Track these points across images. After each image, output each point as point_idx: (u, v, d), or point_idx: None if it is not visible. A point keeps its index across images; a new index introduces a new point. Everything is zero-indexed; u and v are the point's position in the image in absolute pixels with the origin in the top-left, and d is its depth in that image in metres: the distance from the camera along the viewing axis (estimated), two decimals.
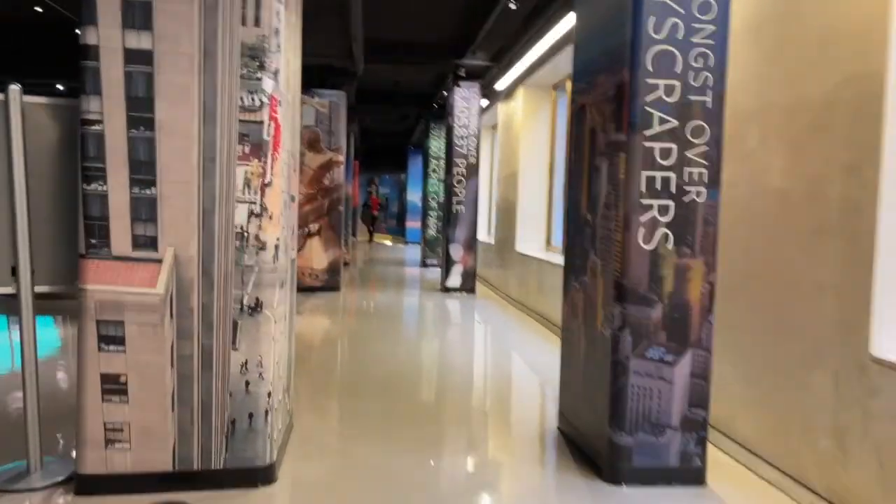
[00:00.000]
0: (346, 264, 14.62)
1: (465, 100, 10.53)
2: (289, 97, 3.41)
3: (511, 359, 6.73)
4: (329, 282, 10.32)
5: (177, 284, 3.01)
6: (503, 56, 9.41)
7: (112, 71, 2.93)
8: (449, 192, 10.61)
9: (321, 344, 6.88)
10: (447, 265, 10.60)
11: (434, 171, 15.07)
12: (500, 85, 10.02)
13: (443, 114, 14.41)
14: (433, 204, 15.05)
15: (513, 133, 10.34)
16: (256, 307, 3.09)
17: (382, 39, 9.67)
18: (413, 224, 23.78)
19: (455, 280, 10.59)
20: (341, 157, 10.30)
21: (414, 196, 23.73)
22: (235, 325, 3.08)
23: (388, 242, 25.42)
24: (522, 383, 5.84)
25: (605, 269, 3.40)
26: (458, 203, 10.56)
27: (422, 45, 9.91)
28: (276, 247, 3.12)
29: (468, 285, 10.60)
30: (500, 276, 11.02)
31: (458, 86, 10.48)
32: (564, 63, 8.48)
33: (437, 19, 8.87)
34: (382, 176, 27.51)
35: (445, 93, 12.15)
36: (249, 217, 3.06)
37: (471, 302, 10.02)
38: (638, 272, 3.21)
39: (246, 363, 3.09)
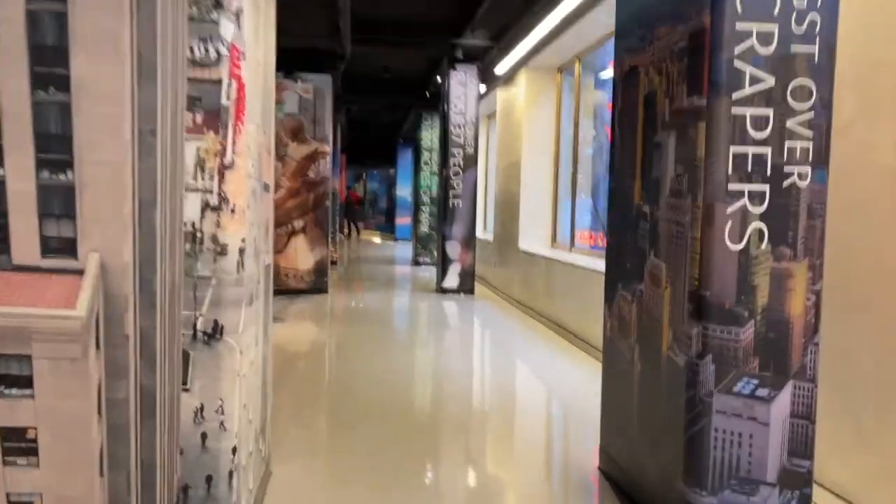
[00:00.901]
0: (333, 263, 13.79)
1: (462, 84, 9.72)
2: (259, 54, 2.60)
3: (523, 374, 5.95)
4: (315, 284, 9.49)
5: (105, 303, 2.19)
6: (504, 35, 8.61)
7: (7, 8, 2.10)
8: (445, 185, 9.81)
9: (306, 356, 6.06)
10: (444, 264, 9.80)
11: (426, 163, 14.26)
12: (501, 68, 9.22)
13: (436, 102, 13.59)
14: (425, 199, 14.25)
15: (514, 120, 9.55)
16: (215, 333, 2.29)
17: (372, 18, 8.84)
18: (403, 220, 22.94)
19: (452, 280, 9.79)
20: (327, 148, 9.47)
21: (403, 191, 22.91)
22: (186, 357, 2.27)
23: (377, 240, 24.58)
24: (541, 405, 5.05)
25: (673, 276, 2.61)
26: (455, 197, 9.76)
27: (415, 25, 9.08)
28: (241, 251, 2.31)
29: (466, 286, 9.81)
30: (500, 276, 10.24)
31: (455, 69, 9.67)
32: (571, 42, 7.71)
33: None
34: (371, 171, 26.65)
35: (440, 78, 11.33)
36: (204, 211, 2.25)
37: (470, 304, 9.22)
38: (723, 280, 2.43)
39: (201, 409, 2.29)
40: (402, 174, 22.95)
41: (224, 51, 2.21)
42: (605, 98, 8.29)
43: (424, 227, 14.24)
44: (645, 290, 2.86)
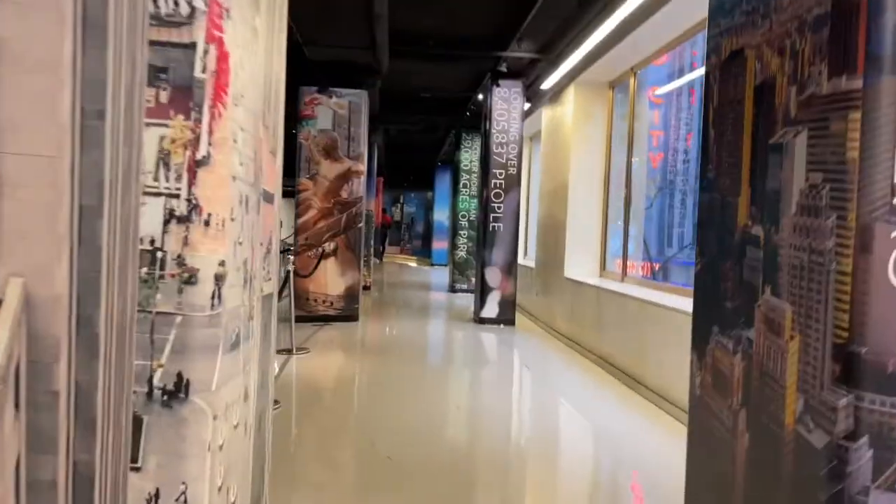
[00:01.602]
0: (366, 288, 13.24)
1: (506, 101, 9.12)
2: (259, 20, 2.01)
3: (577, 427, 5.22)
4: (346, 310, 8.90)
5: (28, 348, 1.60)
6: (553, 47, 8.01)
7: None
8: (485, 207, 9.18)
9: (331, 396, 5.43)
10: (482, 292, 9.14)
11: (465, 186, 13.68)
12: (547, 83, 8.61)
13: (476, 123, 13.05)
14: (463, 223, 13.64)
15: (561, 139, 8.91)
16: (178, 391, 1.67)
17: (412, 30, 8.33)
18: (440, 245, 22.39)
19: (491, 310, 9.12)
20: (362, 167, 8.93)
21: (441, 215, 22.39)
22: (138, 424, 1.66)
23: (413, 264, 24.04)
24: (605, 468, 4.33)
25: (804, 323, 1.92)
26: (496, 220, 9.12)
27: (458, 37, 8.54)
28: (219, 278, 1.70)
29: (506, 316, 9.12)
30: (542, 306, 9.53)
31: (498, 85, 9.09)
32: (626, 54, 7.08)
33: (477, 3, 7.50)
34: (408, 194, 26.21)
35: (481, 96, 10.78)
36: (168, 222, 1.65)
37: (510, 337, 8.53)
38: (885, 332, 1.73)
39: (157, 495, 1.67)
40: (439, 197, 22.44)
41: (200, 4, 1.62)
42: (653, 118, 7.63)
43: (462, 252, 13.61)
44: (757, 340, 2.16)
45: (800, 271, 1.95)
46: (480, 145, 9.76)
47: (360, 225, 8.97)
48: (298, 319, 8.55)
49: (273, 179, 2.42)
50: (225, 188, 1.71)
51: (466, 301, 12.51)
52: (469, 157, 13.67)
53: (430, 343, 8.26)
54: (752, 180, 2.24)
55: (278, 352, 6.67)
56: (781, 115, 2.07)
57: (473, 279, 13.56)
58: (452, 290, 13.63)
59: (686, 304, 5.33)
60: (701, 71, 7.11)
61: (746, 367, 2.22)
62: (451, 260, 13.85)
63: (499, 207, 9.12)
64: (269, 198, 2.33)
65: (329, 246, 8.82)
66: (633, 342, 5.98)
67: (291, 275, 6.66)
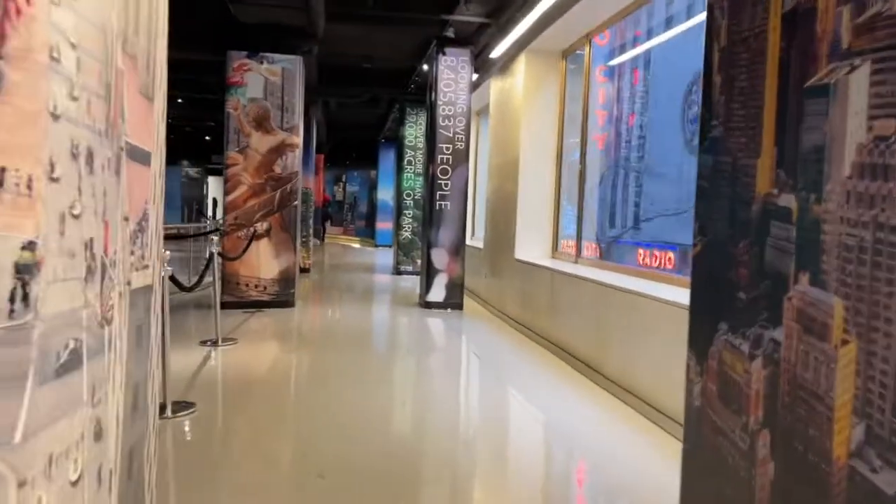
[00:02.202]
0: (305, 270, 12.56)
1: (453, 70, 8.54)
2: None
3: (534, 420, 4.74)
4: (280, 295, 8.24)
5: None
6: (502, 12, 7.45)
7: None
8: (431, 184, 8.62)
9: (258, 395, 4.81)
10: (428, 275, 8.60)
11: (409, 163, 13.06)
12: (497, 51, 8.05)
13: (421, 96, 12.44)
14: (408, 202, 13.05)
15: (511, 112, 8.39)
16: None
17: None
18: (384, 225, 21.74)
19: (438, 293, 8.59)
20: (297, 139, 8.23)
21: (385, 194, 21.72)
22: None
23: (357, 245, 23.34)
24: (562, 466, 3.85)
25: (868, 323, 1.44)
26: (443, 198, 8.57)
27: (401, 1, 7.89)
28: (24, 268, 1.09)
29: (454, 300, 8.62)
30: (492, 289, 9.06)
31: (444, 53, 8.50)
32: (579, 21, 6.60)
33: None
34: (350, 172, 25.39)
35: (426, 67, 10.16)
36: None
37: (458, 322, 8.02)
38: None
39: None
40: (383, 176, 21.75)
41: None
42: (597, 97, 7.16)
43: (407, 233, 13.03)
44: (788, 343, 1.67)
45: (857, 254, 1.45)
46: (426, 119, 9.17)
47: (296, 203, 8.28)
48: (227, 306, 7.87)
49: (149, 132, 1.79)
50: (32, 129, 1.10)
51: (411, 283, 11.96)
52: (414, 132, 13.05)
53: (372, 330, 7.68)
54: (778, 136, 1.74)
55: (202, 343, 6.00)
56: (827, 47, 1.56)
57: (419, 261, 13.02)
58: (397, 272, 13.06)
59: (648, 286, 4.91)
60: (646, 46, 6.68)
61: (771, 376, 1.73)
62: (396, 241, 13.27)
63: (446, 185, 8.57)
64: (140, 156, 1.71)
65: (261, 226, 8.12)
66: (590, 328, 5.55)
67: (215, 257, 5.98)
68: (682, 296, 4.31)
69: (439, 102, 8.53)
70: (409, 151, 13.07)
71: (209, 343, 5.99)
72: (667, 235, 6.36)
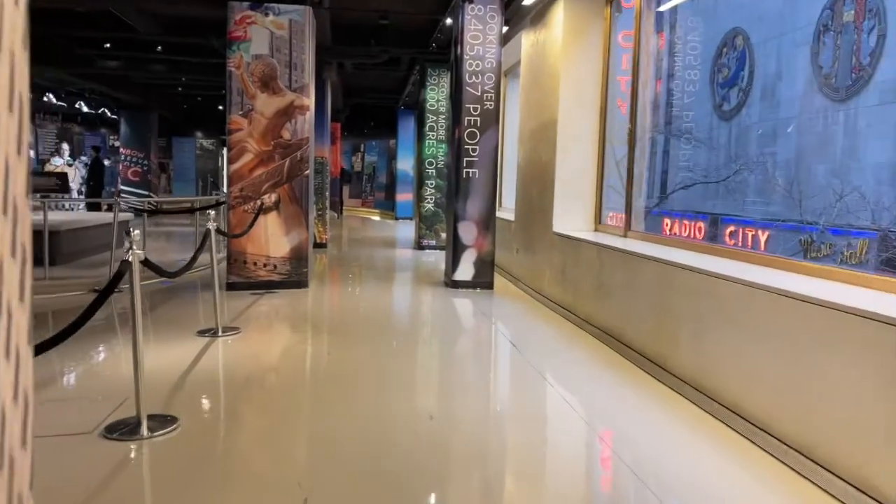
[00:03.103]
0: (322, 245, 11.79)
1: (481, 20, 7.59)
2: None
3: (589, 433, 3.90)
4: (292, 275, 7.44)
5: None
6: None
7: None
8: (457, 150, 7.72)
9: (257, 402, 4.02)
10: (455, 251, 7.75)
11: (431, 129, 12.14)
12: None
13: (444, 56, 11.49)
14: (430, 171, 12.15)
15: (547, 68, 7.44)
16: None
17: None
18: (404, 196, 20.87)
19: (466, 271, 7.75)
20: (307, 101, 7.36)
21: (405, 164, 20.81)
22: None
23: (376, 217, 22.53)
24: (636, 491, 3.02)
25: None
26: (470, 165, 7.68)
27: None
28: None
29: (483, 278, 7.78)
30: (526, 266, 8.19)
31: (471, 1, 7.54)
32: None
33: None
34: (369, 142, 24.48)
35: (450, 21, 9.21)
36: None
37: (489, 303, 7.18)
38: None
39: None
40: (403, 145, 20.81)
41: None
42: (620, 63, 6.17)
43: (429, 205, 12.17)
44: None
45: None
46: (450, 77, 8.24)
47: (307, 172, 7.44)
48: (233, 287, 7.11)
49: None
50: None
51: (434, 258, 11.14)
52: (436, 95, 12.10)
53: (393, 315, 6.84)
54: None
55: (199, 333, 5.22)
56: None
57: (443, 234, 12.18)
58: (419, 246, 12.23)
59: (727, 267, 4.02)
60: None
61: None
62: (418, 213, 12.41)
63: (473, 150, 7.67)
64: None
65: (269, 198, 7.30)
66: (650, 315, 4.68)
67: (212, 235, 5.17)
68: (785, 281, 3.42)
69: (465, 57, 7.60)
70: (430, 116, 12.14)
71: (208, 333, 5.22)
72: (697, 205, 5.50)
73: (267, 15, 7.13)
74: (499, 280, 8.21)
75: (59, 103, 17.58)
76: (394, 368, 4.62)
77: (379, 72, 14.35)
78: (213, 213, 5.18)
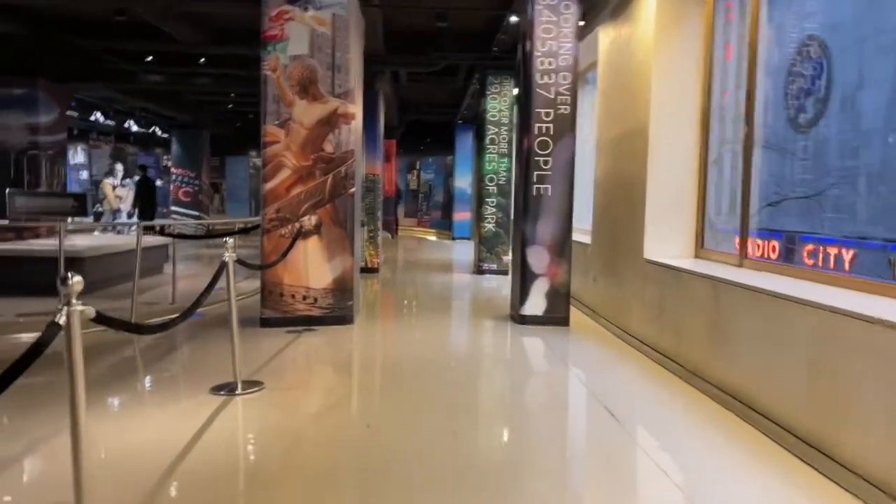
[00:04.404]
0: (373, 270, 10.80)
1: (553, 11, 6.48)
2: None
3: None
4: (335, 309, 6.42)
5: None
6: None
7: None
8: (526, 162, 6.60)
9: (293, 484, 2.96)
10: (524, 280, 6.61)
11: (492, 142, 11.05)
12: None
13: (506, 61, 10.42)
14: (491, 188, 11.05)
15: (633, 67, 6.27)
16: None
17: None
18: (461, 215, 19.84)
19: (536, 304, 6.59)
20: (353, 108, 6.37)
21: (463, 182, 19.81)
22: None
23: (433, 238, 21.54)
24: None
25: None
26: (541, 180, 6.54)
27: None
28: None
29: (557, 313, 6.60)
30: (606, 297, 6.97)
31: None
32: None
33: None
34: (424, 159, 23.58)
35: (514, 18, 8.15)
36: None
37: (567, 345, 6.00)
38: None
39: None
40: (460, 161, 19.83)
41: None
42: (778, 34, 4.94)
43: (490, 225, 11.04)
44: None
45: None
46: (517, 79, 7.14)
47: (353, 190, 6.43)
48: (268, 323, 6.14)
49: None
50: None
51: (496, 285, 10.02)
52: (497, 105, 11.02)
53: (452, 365, 5.59)
54: None
55: (214, 390, 4.21)
56: None
57: (504, 258, 11.05)
58: (479, 270, 11.10)
59: None
60: None
61: None
62: (477, 234, 11.31)
63: (545, 162, 6.54)
64: None
65: (309, 220, 6.32)
66: (800, 378, 3.45)
67: (230, 268, 4.17)
68: None
69: (536, 54, 6.49)
70: (491, 128, 11.06)
71: (224, 390, 4.20)
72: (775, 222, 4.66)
73: (306, 9, 6.19)
74: (573, 312, 7.00)
75: (108, 122, 17.21)
76: (457, 451, 3.48)
77: (435, 83, 13.40)
78: (230, 241, 4.18)
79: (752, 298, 4.01)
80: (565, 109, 6.53)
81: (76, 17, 9.85)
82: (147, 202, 15.02)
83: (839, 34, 4.24)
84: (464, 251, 16.03)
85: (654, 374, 5.01)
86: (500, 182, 11.03)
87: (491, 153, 11.06)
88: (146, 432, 3.58)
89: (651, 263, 5.73)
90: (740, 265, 4.96)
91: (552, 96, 6.51)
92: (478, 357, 5.90)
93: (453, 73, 12.31)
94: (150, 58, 11.17)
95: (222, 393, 4.18)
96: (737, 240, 5.09)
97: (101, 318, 2.32)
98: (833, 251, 4.02)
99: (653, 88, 5.79)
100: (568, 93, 6.52)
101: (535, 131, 6.52)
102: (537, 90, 6.51)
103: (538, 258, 6.57)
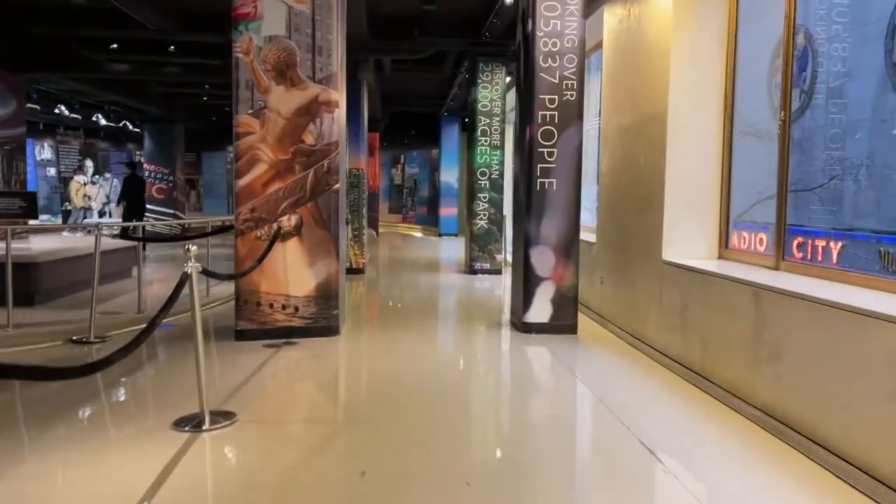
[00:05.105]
0: (358, 270, 10.16)
1: None
2: None
3: None
4: (318, 318, 5.77)
5: None
6: None
7: None
8: (529, 155, 5.98)
9: None
10: (527, 284, 6.00)
11: (484, 134, 10.41)
12: None
13: (498, 47, 9.82)
14: (483, 183, 10.41)
15: (648, 47, 5.67)
16: None
17: None
18: (448, 211, 19.20)
19: (541, 311, 5.98)
20: (335, 94, 5.71)
21: (449, 176, 19.18)
22: None
23: (418, 234, 20.89)
24: None
25: None
26: (545, 174, 5.93)
27: None
28: None
29: (564, 320, 6.00)
30: (616, 301, 6.38)
31: None
32: None
33: None
34: (409, 153, 22.88)
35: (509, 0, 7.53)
36: None
37: (578, 357, 5.41)
38: None
39: None
40: (447, 155, 19.20)
41: None
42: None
43: (482, 222, 10.42)
44: None
45: None
46: (518, 61, 6.50)
47: (337, 187, 5.77)
48: (244, 336, 5.50)
49: None
50: None
51: (489, 285, 9.44)
52: (489, 94, 10.37)
53: (452, 387, 4.84)
54: None
55: (176, 425, 3.56)
56: None
57: (497, 256, 10.45)
58: (471, 270, 10.48)
59: None
60: None
61: None
62: (469, 231, 10.68)
63: (550, 154, 5.92)
64: None
65: (289, 220, 5.65)
66: (882, 409, 2.87)
67: (193, 281, 3.50)
68: None
69: (539, 35, 5.87)
70: (482, 119, 10.42)
71: (189, 424, 3.55)
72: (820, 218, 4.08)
73: None
74: (580, 317, 6.40)
75: (74, 115, 16.32)
76: (467, 501, 2.86)
77: (421, 72, 12.73)
78: (193, 248, 3.52)
79: (811, 310, 3.42)
80: (571, 95, 5.92)
81: (32, 2, 9.07)
82: (136, 200, 13.80)
83: None
84: (452, 248, 15.40)
85: (680, 390, 4.42)
86: (493, 176, 10.41)
87: (482, 145, 10.42)
88: (92, 481, 2.92)
89: (670, 265, 5.14)
90: (776, 268, 4.38)
91: (556, 81, 5.89)
92: (483, 376, 5.26)
93: (440, 62, 11.65)
94: (115, 45, 10.38)
95: (186, 429, 3.52)
96: (766, 238, 4.51)
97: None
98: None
99: (671, 69, 5.20)
100: (574, 77, 5.91)
101: (539, 120, 5.90)
102: (540, 74, 5.88)
103: (543, 260, 5.96)
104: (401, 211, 23.31)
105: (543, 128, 5.91)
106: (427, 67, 12.04)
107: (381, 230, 19.97)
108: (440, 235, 19.23)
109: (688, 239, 5.26)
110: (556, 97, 5.90)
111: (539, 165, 5.93)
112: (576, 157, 5.96)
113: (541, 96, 5.90)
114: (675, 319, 5.02)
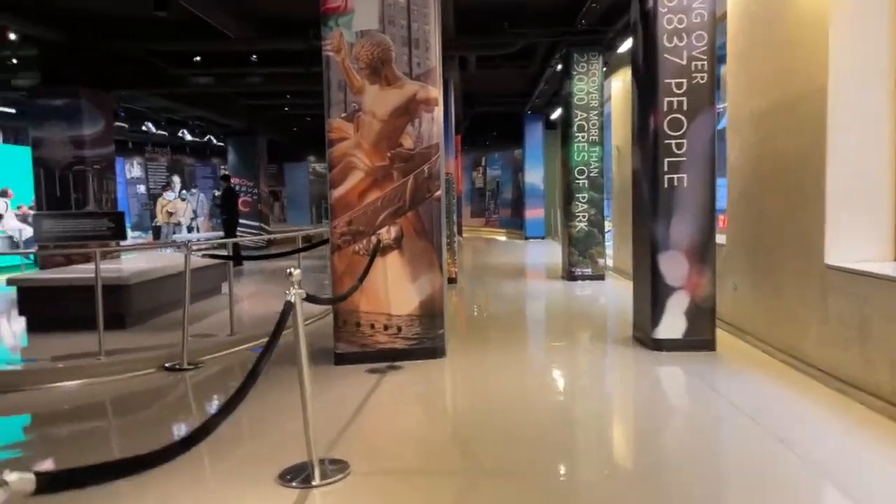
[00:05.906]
0: (451, 280, 9.61)
1: None
2: None
3: None
4: (423, 339, 5.23)
5: None
6: None
7: None
8: (654, 148, 5.26)
9: None
10: (656, 295, 5.27)
11: (580, 129, 9.68)
12: None
13: (595, 35, 9.11)
14: (581, 182, 9.68)
15: (795, 14, 4.86)
16: None
17: None
18: (534, 213, 18.49)
19: (674, 325, 5.25)
20: (434, 91, 5.16)
21: (534, 177, 18.47)
22: None
23: (502, 238, 20.26)
24: None
25: None
26: (674, 168, 5.20)
27: None
28: None
29: (701, 335, 5.25)
30: (759, 310, 5.56)
31: None
32: None
33: None
34: (490, 154, 22.29)
35: None
36: None
37: (728, 382, 4.64)
38: None
39: None
40: (531, 155, 18.50)
41: None
42: None
43: (581, 224, 9.69)
44: None
45: None
46: (637, 41, 5.79)
47: (438, 193, 5.22)
48: (343, 360, 5.02)
49: None
50: None
51: (592, 292, 8.74)
52: (585, 87, 9.65)
53: (595, 425, 4.21)
54: None
55: (282, 478, 3.05)
56: None
57: (600, 261, 9.71)
58: (570, 276, 9.77)
59: None
60: None
61: None
62: (567, 235, 9.97)
63: (678, 146, 5.19)
64: None
65: (388, 233, 5.14)
66: None
67: (298, 310, 3.00)
68: None
69: (662, 10, 5.15)
70: (578, 114, 9.70)
71: (296, 479, 3.04)
72: None
73: None
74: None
75: (160, 132, 16.52)
76: None
77: (507, 69, 12.10)
78: (296, 272, 3.01)
79: None
80: (701, 78, 5.17)
81: (111, 17, 8.97)
82: (232, 213, 13.55)
83: None
84: (541, 252, 14.71)
85: (874, 426, 3.63)
86: (592, 174, 9.67)
87: (579, 142, 9.70)
88: None
89: (836, 270, 4.33)
90: None
91: (685, 62, 5.16)
92: (622, 407, 4.53)
93: (529, 56, 11.00)
94: (197, 58, 10.24)
95: (293, 484, 3.01)
96: None
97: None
98: None
99: (831, 38, 4.39)
100: (704, 56, 5.16)
101: (664, 108, 5.18)
102: (665, 56, 5.16)
103: (674, 267, 5.23)
104: (483, 214, 22.74)
105: (670, 116, 5.18)
106: (514, 63, 11.41)
107: (464, 234, 19.45)
108: (526, 239, 18.54)
109: (856, 238, 4.44)
110: (685, 81, 5.16)
111: (666, 159, 5.20)
112: (709, 147, 5.20)
113: (666, 81, 5.17)
114: (850, 334, 4.21)
